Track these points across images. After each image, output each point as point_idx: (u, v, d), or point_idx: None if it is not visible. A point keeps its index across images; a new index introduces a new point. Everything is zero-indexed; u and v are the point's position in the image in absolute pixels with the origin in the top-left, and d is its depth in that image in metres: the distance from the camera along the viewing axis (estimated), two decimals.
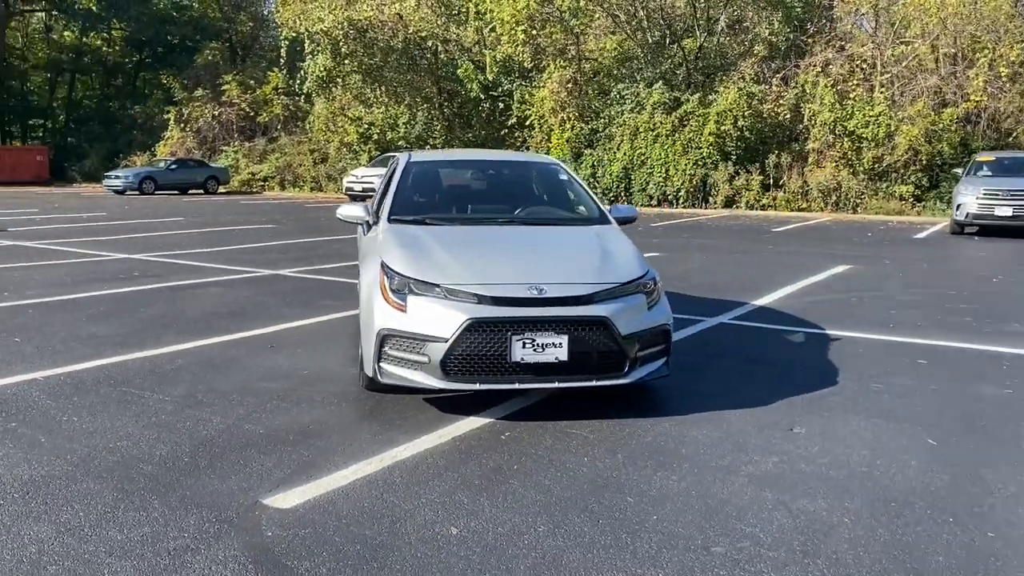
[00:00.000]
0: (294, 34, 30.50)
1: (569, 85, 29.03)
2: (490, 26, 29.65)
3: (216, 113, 39.78)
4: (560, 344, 4.62)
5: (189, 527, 3.33)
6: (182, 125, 40.47)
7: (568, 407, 4.98)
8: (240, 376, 5.61)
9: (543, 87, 29.44)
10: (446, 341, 4.55)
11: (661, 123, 27.35)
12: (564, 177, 6.60)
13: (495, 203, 6.36)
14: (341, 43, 29.36)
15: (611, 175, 28.26)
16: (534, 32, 28.62)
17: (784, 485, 3.86)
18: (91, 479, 3.80)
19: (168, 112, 41.19)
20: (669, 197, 27.39)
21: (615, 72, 31.22)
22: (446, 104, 33.12)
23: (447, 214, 6.04)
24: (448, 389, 4.66)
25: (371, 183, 26.40)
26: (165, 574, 2.97)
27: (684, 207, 26.93)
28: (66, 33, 51.09)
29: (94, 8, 47.09)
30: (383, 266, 4.97)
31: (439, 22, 31.09)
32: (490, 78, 30.85)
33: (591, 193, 6.37)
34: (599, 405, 5.02)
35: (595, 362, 4.72)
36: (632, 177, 28.09)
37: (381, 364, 4.77)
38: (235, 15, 49.68)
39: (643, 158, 27.82)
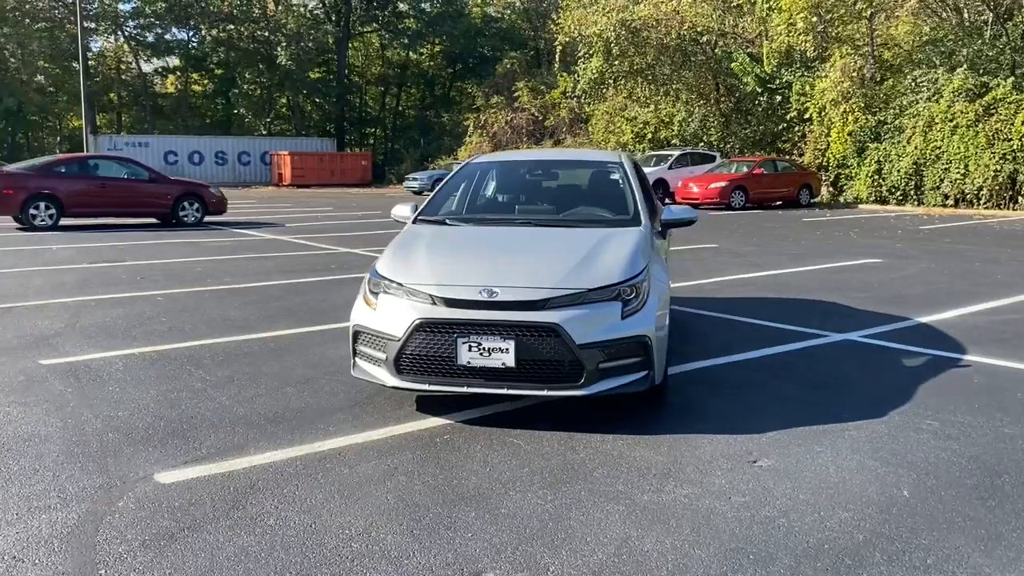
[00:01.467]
0: (567, 39, 31.37)
1: (854, 74, 26.70)
2: (770, 15, 28.20)
3: (509, 118, 42.15)
4: (507, 350, 4.46)
5: (70, 492, 3.74)
6: (480, 131, 43.42)
7: (550, 414, 4.78)
8: (290, 362, 6.07)
9: (825, 77, 27.38)
10: (398, 340, 4.62)
11: (961, 112, 24.15)
12: (615, 176, 6.26)
13: (532, 203, 6.28)
14: (613, 45, 29.68)
15: (899, 171, 25.54)
16: (814, 19, 26.71)
17: (655, 520, 3.42)
18: (59, 441, 4.40)
19: (467, 119, 44.47)
20: (967, 196, 24.13)
21: (914, 57, 28.15)
22: (723, 99, 32.06)
23: (472, 215, 6.02)
24: (402, 387, 4.70)
25: None
26: (1, 526, 3.42)
27: (985, 208, 23.55)
28: (397, 51, 57.15)
29: (413, 27, 52.13)
30: (373, 265, 5.14)
31: (715, 15, 30.20)
32: (768, 70, 29.31)
33: (636, 194, 5.92)
34: (580, 414, 4.76)
35: (546, 370, 4.49)
36: (923, 173, 25.14)
37: (355, 359, 4.95)
38: (541, 24, 52.12)
39: (937, 152, 24.78)
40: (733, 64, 29.97)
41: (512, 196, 6.45)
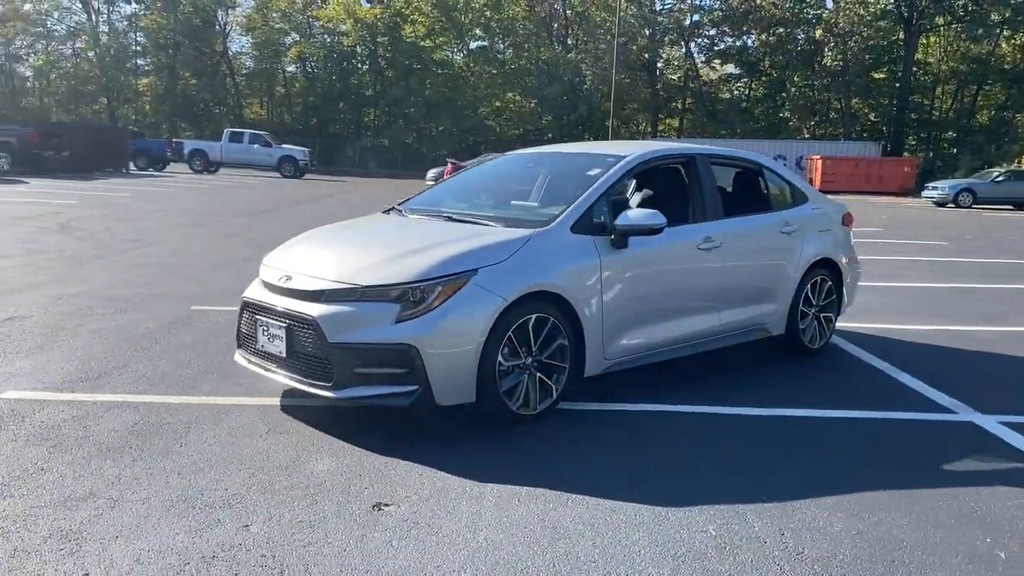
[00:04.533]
0: None
1: None
2: None
3: None
4: (282, 338, 4.42)
5: None
6: None
7: (385, 418, 4.54)
8: None
9: None
10: (239, 316, 4.85)
11: None
12: (591, 173, 5.24)
13: (520, 197, 5.72)
14: None
15: None
16: None
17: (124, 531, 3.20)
18: (40, 358, 5.65)
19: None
20: None
21: None
22: None
23: (431, 207, 5.63)
24: (239, 362, 4.88)
25: None
26: None
27: None
28: (970, 45, 50.24)
29: (996, 16, 45.12)
30: None
31: None
32: None
33: (587, 196, 4.95)
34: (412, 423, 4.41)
35: (309, 365, 4.34)
36: None
37: None
38: None
39: None
40: None
41: (498, 190, 5.94)
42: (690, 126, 57.10)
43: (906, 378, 5.74)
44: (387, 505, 3.43)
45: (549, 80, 52.91)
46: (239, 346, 4.89)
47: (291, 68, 62.62)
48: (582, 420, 4.66)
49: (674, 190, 5.62)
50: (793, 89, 51.97)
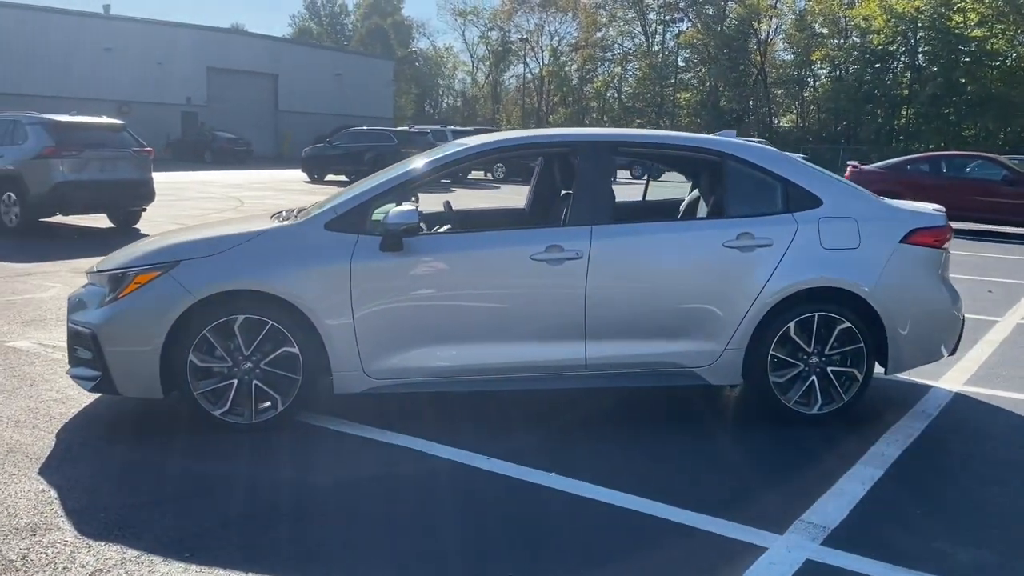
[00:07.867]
0: None
1: None
2: None
3: None
4: None
5: None
6: None
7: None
8: None
9: None
10: None
11: None
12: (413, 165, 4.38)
13: None
14: None
15: None
16: None
17: None
18: None
19: None
20: None
21: None
22: None
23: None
24: None
25: None
26: None
27: None
28: None
29: None
30: None
31: None
32: None
33: (363, 193, 4.35)
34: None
35: None
36: None
37: None
38: None
39: None
40: None
41: None
42: None
43: (866, 476, 3.71)
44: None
45: None
46: None
47: (821, 72, 60.09)
48: (296, 438, 4.15)
49: (542, 186, 4.50)
50: None
